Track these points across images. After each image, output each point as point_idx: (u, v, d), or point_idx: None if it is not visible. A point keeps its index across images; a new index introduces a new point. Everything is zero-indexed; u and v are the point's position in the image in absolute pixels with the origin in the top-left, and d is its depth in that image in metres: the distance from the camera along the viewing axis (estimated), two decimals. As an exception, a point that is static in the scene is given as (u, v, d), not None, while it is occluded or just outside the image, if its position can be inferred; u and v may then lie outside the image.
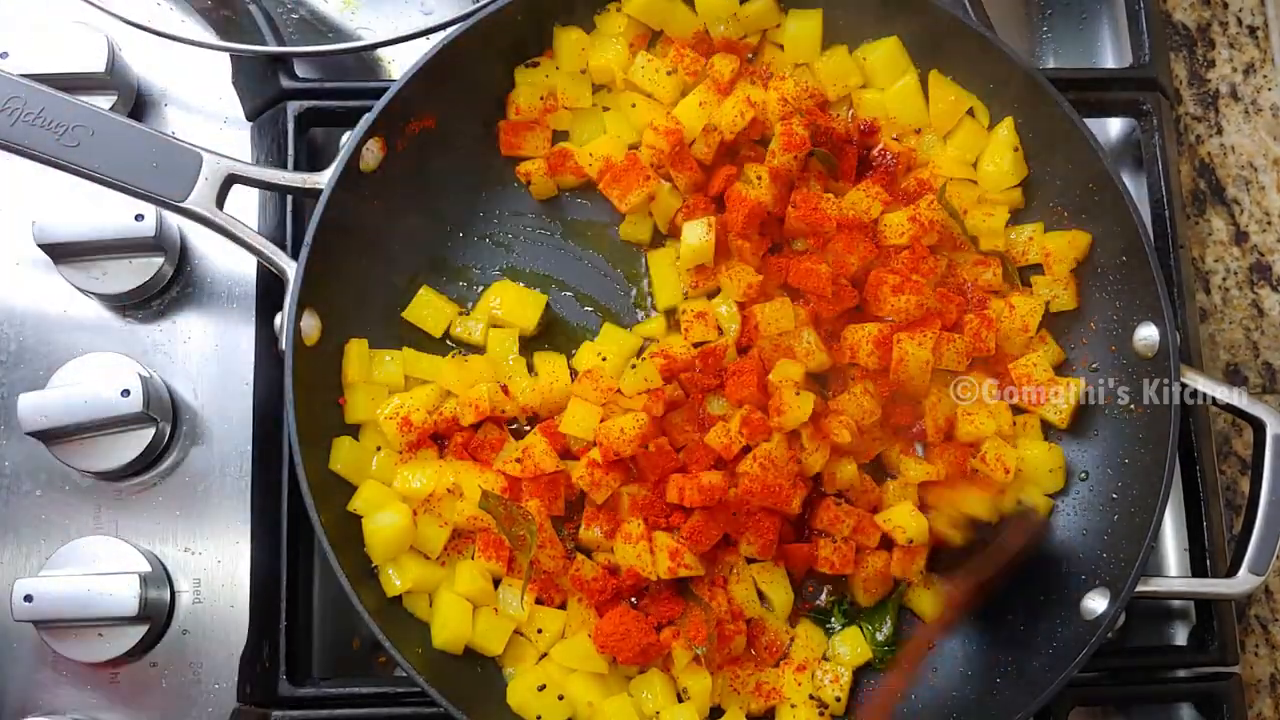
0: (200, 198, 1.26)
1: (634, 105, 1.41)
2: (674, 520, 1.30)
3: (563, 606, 1.32)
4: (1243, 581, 1.28)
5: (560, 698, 1.28)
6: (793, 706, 1.32)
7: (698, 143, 1.38)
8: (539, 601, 1.31)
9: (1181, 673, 1.40)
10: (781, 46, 1.43)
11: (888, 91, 1.41)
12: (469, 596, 1.29)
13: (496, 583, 1.32)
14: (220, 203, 1.27)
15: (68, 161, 1.24)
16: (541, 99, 1.42)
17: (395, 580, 1.29)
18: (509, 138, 1.42)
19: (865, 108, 1.43)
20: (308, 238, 1.27)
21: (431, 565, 1.31)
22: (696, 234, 1.36)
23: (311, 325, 1.29)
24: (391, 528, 1.28)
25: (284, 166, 1.39)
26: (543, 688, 1.28)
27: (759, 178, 1.37)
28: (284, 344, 1.25)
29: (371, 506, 1.29)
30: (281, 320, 1.27)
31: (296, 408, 1.24)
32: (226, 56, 1.49)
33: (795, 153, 1.36)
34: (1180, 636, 1.44)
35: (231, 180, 1.28)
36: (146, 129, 1.27)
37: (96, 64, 1.43)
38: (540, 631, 1.30)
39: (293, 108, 1.40)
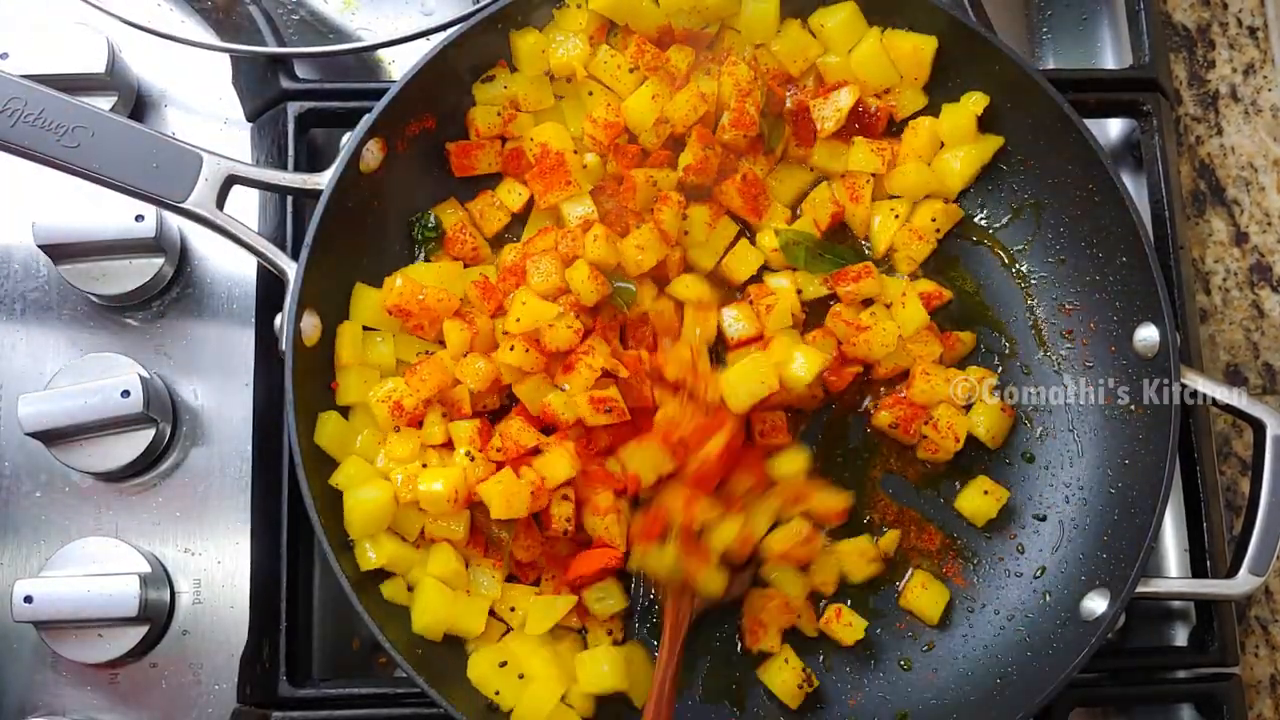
0: (200, 198, 1.26)
1: (590, 94, 1.39)
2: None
3: (536, 583, 1.32)
4: (1243, 582, 1.28)
5: (520, 676, 1.28)
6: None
7: (647, 133, 1.38)
8: (511, 579, 1.32)
9: (1182, 673, 1.40)
10: (739, 31, 1.41)
11: (853, 55, 1.40)
12: (443, 578, 1.29)
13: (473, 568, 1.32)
14: (220, 203, 1.27)
15: (68, 162, 1.24)
16: (500, 114, 1.39)
17: (370, 554, 1.27)
18: (460, 160, 1.40)
19: (832, 73, 1.42)
20: (308, 238, 1.27)
21: (407, 547, 1.30)
22: (574, 213, 1.37)
23: (311, 325, 1.28)
24: (372, 503, 1.27)
25: (284, 167, 1.39)
26: (504, 664, 1.28)
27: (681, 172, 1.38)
28: (284, 344, 1.25)
29: (353, 482, 1.29)
30: (281, 321, 1.27)
31: (297, 408, 1.24)
32: (226, 57, 1.49)
33: (744, 131, 1.37)
34: (1180, 637, 1.44)
35: (232, 181, 1.28)
36: (147, 129, 1.27)
37: (96, 65, 1.43)
38: (513, 610, 1.30)
39: (293, 108, 1.40)
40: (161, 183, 1.25)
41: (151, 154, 1.25)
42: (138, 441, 1.38)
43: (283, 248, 1.34)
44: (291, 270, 1.26)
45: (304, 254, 1.26)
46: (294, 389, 1.25)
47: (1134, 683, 1.40)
